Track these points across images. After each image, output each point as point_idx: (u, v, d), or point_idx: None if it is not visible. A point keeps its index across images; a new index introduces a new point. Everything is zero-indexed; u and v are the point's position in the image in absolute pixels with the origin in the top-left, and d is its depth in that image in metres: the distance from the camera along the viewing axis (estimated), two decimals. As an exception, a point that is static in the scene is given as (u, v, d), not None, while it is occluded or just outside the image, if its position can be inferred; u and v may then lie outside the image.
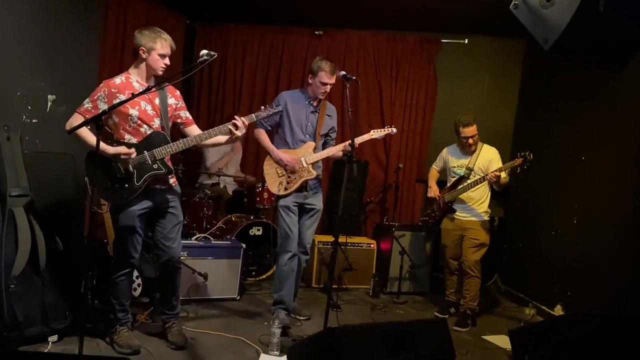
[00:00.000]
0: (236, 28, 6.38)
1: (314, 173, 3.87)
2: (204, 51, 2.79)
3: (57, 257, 3.34)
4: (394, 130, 4.09)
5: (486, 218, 4.38)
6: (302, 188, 3.88)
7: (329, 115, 4.03)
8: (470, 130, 4.30)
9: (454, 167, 4.50)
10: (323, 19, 6.06)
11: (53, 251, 3.31)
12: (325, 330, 2.81)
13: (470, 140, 4.32)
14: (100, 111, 2.89)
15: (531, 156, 4.01)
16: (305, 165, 3.85)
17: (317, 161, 3.91)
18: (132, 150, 3.02)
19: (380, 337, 2.69)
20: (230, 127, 3.12)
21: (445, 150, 4.69)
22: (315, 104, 3.94)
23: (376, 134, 4.02)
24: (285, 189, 3.84)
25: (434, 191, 4.62)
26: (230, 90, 6.42)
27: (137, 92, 3.06)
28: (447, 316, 4.49)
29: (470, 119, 4.31)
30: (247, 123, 3.17)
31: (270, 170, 3.89)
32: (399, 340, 2.72)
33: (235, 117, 3.14)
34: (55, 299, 3.22)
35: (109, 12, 4.82)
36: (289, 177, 3.85)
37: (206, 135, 3.17)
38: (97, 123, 2.64)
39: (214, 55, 2.78)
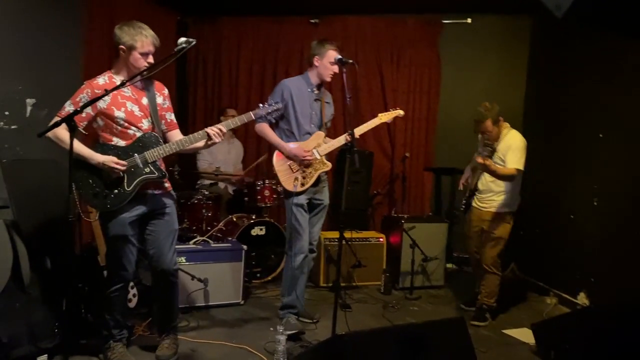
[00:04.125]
0: (229, 21, 6.17)
1: (329, 165, 3.69)
2: (182, 39, 2.58)
3: (44, 271, 3.13)
4: (402, 112, 3.93)
5: (504, 210, 4.03)
6: (317, 182, 3.70)
7: (327, 102, 3.84)
8: (484, 127, 3.94)
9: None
10: (318, 6, 5.84)
11: (39, 265, 3.10)
12: (332, 338, 2.58)
13: (487, 135, 3.96)
14: (83, 113, 2.71)
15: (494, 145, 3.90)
16: (319, 157, 3.65)
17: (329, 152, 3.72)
18: (123, 164, 2.80)
19: (393, 342, 2.47)
20: (208, 133, 2.91)
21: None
22: (317, 91, 3.72)
23: (385, 117, 3.83)
24: (302, 184, 3.61)
25: (463, 177, 4.42)
26: (226, 85, 6.22)
27: (124, 93, 2.87)
28: (473, 308, 4.24)
29: (481, 113, 3.93)
30: (225, 130, 2.95)
31: (282, 167, 3.64)
32: (413, 344, 2.50)
33: (209, 128, 2.92)
34: (44, 316, 3.00)
35: (94, 9, 4.61)
36: (303, 171, 3.63)
37: (187, 142, 2.94)
38: (69, 125, 2.42)
39: (192, 42, 2.56)
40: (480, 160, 3.74)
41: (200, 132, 2.94)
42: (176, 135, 3.14)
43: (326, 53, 3.58)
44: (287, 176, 3.63)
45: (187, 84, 6.33)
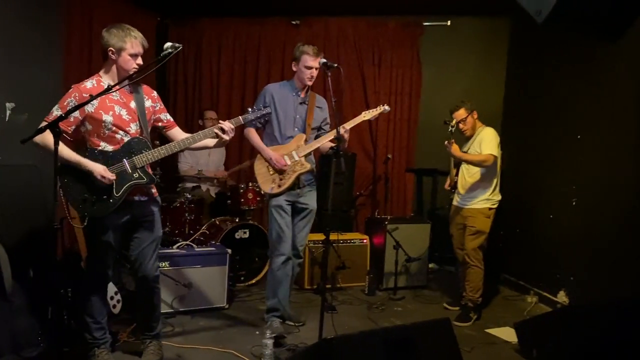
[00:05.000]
0: (210, 22, 6.13)
1: (308, 166, 3.66)
2: (168, 44, 2.56)
3: (27, 278, 3.08)
4: (387, 108, 3.83)
5: (485, 205, 4.16)
6: (295, 185, 3.68)
7: (319, 107, 3.82)
8: (458, 115, 4.18)
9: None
10: (299, 7, 5.86)
11: (21, 272, 3.05)
12: (320, 342, 2.59)
13: (461, 125, 4.17)
14: (70, 118, 2.67)
15: (453, 121, 4.10)
16: (297, 158, 3.64)
17: (309, 153, 3.70)
18: (110, 178, 2.76)
19: (380, 345, 2.49)
20: (216, 131, 2.92)
21: None
22: (303, 94, 3.73)
23: (369, 114, 3.76)
24: (279, 186, 3.63)
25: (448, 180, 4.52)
26: (207, 86, 6.19)
27: (112, 97, 2.83)
28: (457, 308, 4.34)
29: (458, 103, 4.21)
30: (234, 127, 2.98)
31: (261, 170, 3.69)
32: (401, 346, 2.53)
33: (221, 121, 2.96)
34: (27, 324, 2.97)
35: (72, 11, 4.56)
36: (281, 173, 3.66)
37: (190, 140, 2.95)
38: (54, 130, 2.39)
39: (179, 47, 2.54)
40: (449, 147, 3.99)
41: (204, 130, 2.96)
42: (177, 133, 3.13)
43: (301, 57, 3.60)
44: (264, 178, 3.68)
45: (167, 85, 6.28)
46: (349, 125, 3.65)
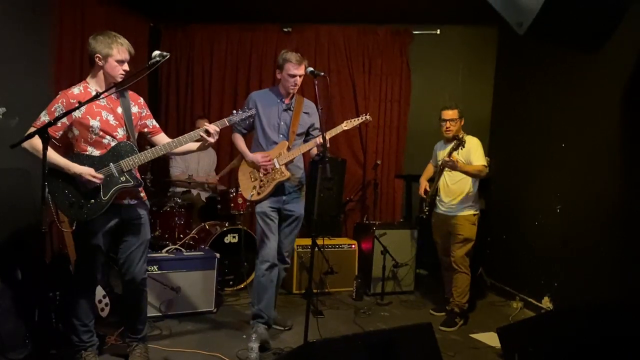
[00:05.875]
0: (202, 28, 6.17)
1: (287, 174, 3.63)
2: (156, 52, 2.62)
3: (14, 281, 3.11)
4: (369, 117, 3.83)
5: (469, 212, 4.22)
6: (279, 192, 3.67)
7: (306, 113, 3.79)
8: (449, 114, 4.22)
9: (439, 159, 4.31)
10: (291, 15, 5.90)
11: (9, 275, 3.08)
12: (303, 346, 2.64)
13: (448, 124, 4.22)
14: (58, 124, 2.72)
15: (464, 137, 3.87)
16: (277, 166, 3.62)
17: (291, 160, 3.67)
18: (99, 177, 2.81)
19: (362, 348, 2.54)
20: (202, 133, 2.96)
21: (437, 143, 4.56)
22: (287, 101, 3.72)
23: (349, 124, 3.72)
24: (258, 193, 3.65)
25: (420, 188, 4.54)
26: (199, 92, 6.22)
27: (99, 103, 2.88)
28: (442, 313, 4.39)
29: (452, 104, 4.27)
30: (218, 129, 3.02)
31: (243, 176, 3.75)
32: (382, 350, 2.58)
33: (206, 123, 3.00)
34: (14, 327, 2.99)
35: (64, 17, 4.57)
36: (261, 180, 3.66)
37: (176, 143, 2.99)
38: (42, 136, 2.43)
39: (166, 56, 2.60)
40: (447, 158, 3.89)
41: (190, 133, 2.99)
42: (162, 139, 3.19)
43: (285, 66, 3.59)
44: (246, 185, 3.72)
45: (159, 90, 6.31)
46: (328, 135, 3.54)
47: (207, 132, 2.97)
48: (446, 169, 4.15)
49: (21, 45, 3.88)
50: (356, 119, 3.76)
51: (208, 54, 6.17)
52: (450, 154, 3.90)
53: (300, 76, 3.61)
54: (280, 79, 3.67)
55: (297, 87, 3.69)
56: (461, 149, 3.89)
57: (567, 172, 4.36)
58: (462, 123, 4.29)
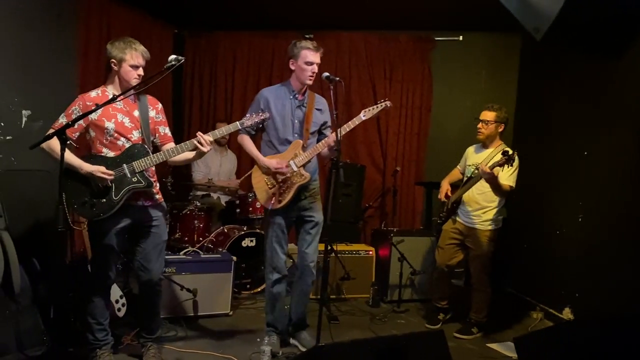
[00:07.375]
0: (225, 35, 6.28)
1: (307, 176, 3.39)
2: (172, 56, 2.68)
3: (35, 280, 3.19)
4: (389, 103, 3.38)
5: (488, 227, 4.01)
6: (296, 197, 3.43)
7: (318, 109, 3.54)
8: (487, 115, 3.96)
9: (469, 165, 4.15)
10: (312, 21, 5.95)
11: (30, 274, 3.16)
12: (312, 349, 2.64)
13: (481, 125, 3.98)
14: (75, 125, 2.81)
15: (515, 154, 3.59)
16: (295, 169, 3.37)
17: (309, 161, 3.42)
18: (110, 173, 2.88)
19: (371, 354, 2.52)
20: (196, 142, 2.98)
21: (471, 147, 4.28)
22: (300, 97, 3.48)
23: (368, 113, 3.34)
24: (279, 201, 3.39)
25: (441, 191, 4.31)
26: (221, 98, 6.32)
27: (115, 106, 2.96)
28: (438, 325, 4.27)
29: (495, 106, 3.98)
30: (211, 139, 3.00)
31: (259, 183, 3.47)
32: (392, 356, 2.56)
33: (198, 133, 2.99)
34: (33, 324, 3.07)
35: (90, 23, 4.70)
36: (280, 187, 3.40)
37: (174, 151, 3.02)
38: (60, 137, 2.51)
39: (182, 60, 2.67)
40: (487, 169, 3.60)
41: (187, 142, 3.01)
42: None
43: (300, 53, 3.34)
44: (263, 193, 3.46)
45: (183, 96, 6.42)
46: (347, 127, 3.34)
47: (200, 142, 2.95)
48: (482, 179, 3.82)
49: (47, 50, 4.00)
50: (375, 107, 3.37)
51: (231, 60, 6.27)
52: (493, 167, 3.62)
53: (317, 64, 3.38)
54: (295, 70, 3.42)
55: (314, 78, 3.43)
56: (508, 166, 3.58)
57: (590, 181, 4.26)
58: (501, 130, 4.01)
